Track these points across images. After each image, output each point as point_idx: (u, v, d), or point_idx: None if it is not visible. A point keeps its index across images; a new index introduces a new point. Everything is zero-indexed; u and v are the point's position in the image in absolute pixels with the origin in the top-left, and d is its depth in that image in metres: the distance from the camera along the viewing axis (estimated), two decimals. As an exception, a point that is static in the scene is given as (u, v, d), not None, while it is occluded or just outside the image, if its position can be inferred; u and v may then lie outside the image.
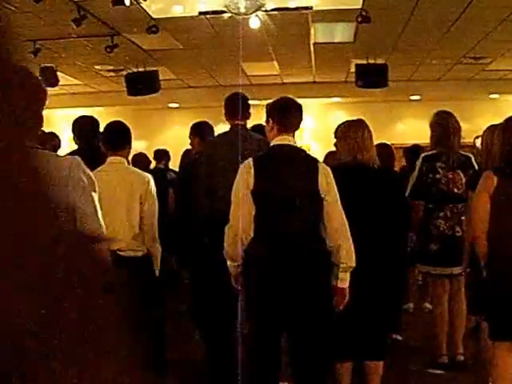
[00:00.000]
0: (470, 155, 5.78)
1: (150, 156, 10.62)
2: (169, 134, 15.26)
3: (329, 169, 4.07)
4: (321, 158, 14.73)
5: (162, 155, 9.34)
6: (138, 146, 13.32)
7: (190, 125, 6.69)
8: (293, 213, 3.90)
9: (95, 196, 2.52)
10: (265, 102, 14.72)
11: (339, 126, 4.97)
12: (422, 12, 8.67)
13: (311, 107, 15.29)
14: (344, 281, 3.85)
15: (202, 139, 6.13)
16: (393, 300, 4.67)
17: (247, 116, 5.76)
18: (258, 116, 15.43)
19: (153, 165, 9.17)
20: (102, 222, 2.62)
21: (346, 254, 3.82)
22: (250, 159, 4.07)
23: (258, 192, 3.91)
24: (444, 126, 5.82)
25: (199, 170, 5.34)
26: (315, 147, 15.22)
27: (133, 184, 4.66)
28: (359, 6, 8.32)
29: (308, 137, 15.31)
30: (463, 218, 5.38)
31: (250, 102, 14.32)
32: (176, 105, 14.75)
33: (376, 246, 4.28)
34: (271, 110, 4.37)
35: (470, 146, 13.54)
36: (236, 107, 5.57)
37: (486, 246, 4.00)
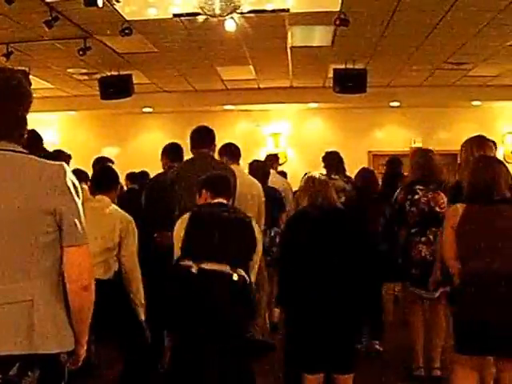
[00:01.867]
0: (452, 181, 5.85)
1: (125, 161, 10.42)
2: (143, 139, 15.00)
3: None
4: (298, 165, 14.51)
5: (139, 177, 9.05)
6: (111, 151, 13.13)
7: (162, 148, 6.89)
8: None
9: (79, 202, 2.49)
10: (241, 107, 14.68)
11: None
12: (402, 16, 8.51)
13: (288, 113, 15.15)
14: None
15: (172, 161, 6.46)
16: (360, 313, 4.79)
17: (213, 147, 6.00)
18: (234, 121, 15.35)
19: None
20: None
21: None
22: (187, 215, 4.42)
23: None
24: (424, 166, 5.83)
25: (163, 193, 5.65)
26: (292, 154, 15.06)
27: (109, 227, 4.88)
28: (338, 9, 8.14)
29: (284, 143, 15.14)
30: None
31: (226, 107, 14.17)
32: (150, 109, 14.50)
33: (339, 271, 4.49)
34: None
35: (451, 153, 13.53)
36: (202, 138, 5.91)
37: (456, 267, 4.17)
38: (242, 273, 4.14)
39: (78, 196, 2.50)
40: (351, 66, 11.34)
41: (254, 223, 4.48)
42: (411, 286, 5.75)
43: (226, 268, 4.09)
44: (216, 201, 4.45)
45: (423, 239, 5.55)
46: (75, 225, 2.47)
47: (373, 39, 9.92)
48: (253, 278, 4.32)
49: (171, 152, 6.68)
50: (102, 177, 5.28)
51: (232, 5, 7.28)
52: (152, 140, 14.29)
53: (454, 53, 10.88)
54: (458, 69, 12.16)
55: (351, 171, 8.17)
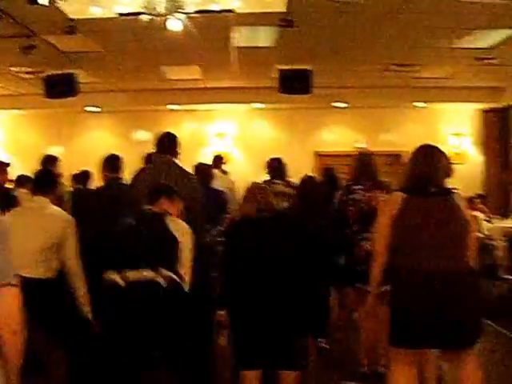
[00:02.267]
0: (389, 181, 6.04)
1: (70, 160, 10.31)
2: (88, 139, 14.86)
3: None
4: (244, 165, 14.53)
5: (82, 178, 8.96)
6: (56, 150, 12.97)
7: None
8: None
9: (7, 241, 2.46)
10: (187, 107, 14.60)
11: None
12: (348, 18, 8.58)
13: (234, 113, 15.17)
14: None
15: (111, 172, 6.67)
16: (301, 312, 4.75)
17: (176, 153, 5.95)
18: (179, 121, 15.28)
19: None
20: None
21: None
22: None
23: None
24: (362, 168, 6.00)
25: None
26: (237, 154, 15.09)
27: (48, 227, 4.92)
28: (283, 10, 8.19)
29: (230, 144, 15.16)
30: None
31: (171, 106, 14.10)
32: (96, 109, 14.36)
33: (280, 272, 4.52)
34: None
35: (395, 154, 13.74)
36: (164, 145, 5.89)
37: (382, 261, 4.12)
38: (168, 273, 4.09)
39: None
40: (296, 67, 11.42)
41: (167, 218, 4.43)
42: (358, 282, 5.75)
43: (150, 274, 4.03)
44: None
45: (365, 235, 5.62)
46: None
47: (319, 41, 10.00)
48: (185, 275, 4.25)
49: (110, 164, 6.77)
50: (41, 178, 5.40)
51: (176, 4, 7.30)
52: (97, 139, 14.21)
53: (398, 55, 11.04)
54: (403, 71, 12.33)
55: (298, 171, 8.23)
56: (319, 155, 15.27)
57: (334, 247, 5.91)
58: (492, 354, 6.60)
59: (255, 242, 4.57)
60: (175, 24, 8.03)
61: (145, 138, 13.95)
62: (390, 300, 4.09)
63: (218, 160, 9.78)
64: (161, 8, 7.18)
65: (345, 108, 14.85)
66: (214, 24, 8.81)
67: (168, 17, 7.68)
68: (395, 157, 13.68)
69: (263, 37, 9.85)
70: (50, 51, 10.01)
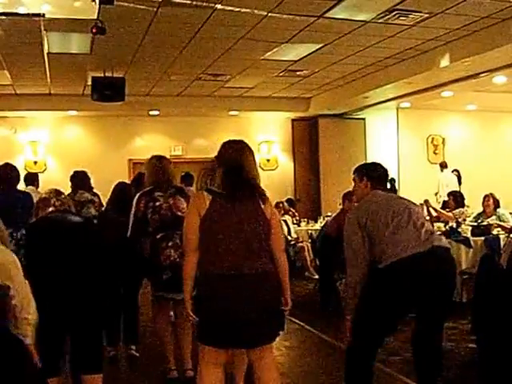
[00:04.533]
0: (183, 186, 6.17)
1: None
2: None
3: None
4: (58, 173, 14.19)
5: None
6: None
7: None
8: None
9: None
10: (-1, 114, 13.74)
11: None
12: (159, 26, 8.68)
13: (47, 120, 14.82)
14: None
15: None
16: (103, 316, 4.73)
17: None
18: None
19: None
20: None
21: None
22: None
23: None
24: (159, 168, 5.89)
25: None
26: (51, 162, 14.76)
27: None
28: (94, 17, 8.13)
29: (43, 152, 14.80)
30: None
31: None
32: None
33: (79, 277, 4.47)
34: None
35: (211, 161, 13.96)
36: None
37: (192, 265, 4.06)
38: None
39: None
40: (110, 74, 11.37)
41: None
42: (161, 290, 5.74)
43: None
44: None
45: (170, 243, 5.59)
46: None
47: (131, 49, 10.02)
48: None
49: None
50: None
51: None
52: None
53: (210, 65, 11.29)
54: (215, 80, 12.64)
55: (113, 179, 8.22)
56: (133, 163, 15.27)
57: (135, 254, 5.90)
58: (296, 349, 6.88)
59: (50, 245, 4.54)
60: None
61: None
62: (195, 300, 4.05)
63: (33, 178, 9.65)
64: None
65: (158, 116, 14.95)
66: (23, 28, 8.58)
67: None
68: (210, 163, 13.91)
69: (77, 43, 9.72)
70: None
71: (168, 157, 14.32)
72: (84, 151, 14.60)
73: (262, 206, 4.09)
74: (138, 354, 6.57)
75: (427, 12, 8.29)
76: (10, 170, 6.97)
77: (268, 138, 16.05)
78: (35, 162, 14.53)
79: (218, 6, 7.77)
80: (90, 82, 11.74)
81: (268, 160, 16.02)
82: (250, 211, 4.05)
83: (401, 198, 4.98)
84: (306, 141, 16.25)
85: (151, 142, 15.35)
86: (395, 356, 6.14)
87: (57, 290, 4.36)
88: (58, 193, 4.87)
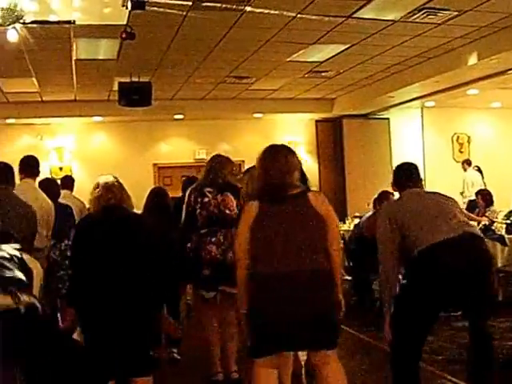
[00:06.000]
0: (237, 184, 5.94)
1: None
2: None
3: None
4: (83, 179, 14.27)
5: None
6: None
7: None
8: None
9: None
10: (23, 121, 14.10)
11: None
12: (187, 30, 8.71)
13: (72, 126, 14.89)
14: None
15: None
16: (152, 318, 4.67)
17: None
18: (16, 135, 14.74)
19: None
20: None
21: None
22: None
23: None
24: (210, 165, 5.97)
25: None
26: (76, 168, 14.81)
27: None
28: (124, 22, 8.17)
29: (69, 158, 14.86)
30: None
31: (8, 120, 13.58)
32: None
33: (131, 275, 4.43)
34: None
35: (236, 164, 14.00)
36: None
37: (243, 275, 4.11)
38: (27, 298, 3.86)
39: None
40: (136, 79, 11.41)
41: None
42: (201, 288, 5.76)
43: (8, 300, 3.78)
44: None
45: (213, 239, 5.62)
46: None
47: (158, 53, 10.07)
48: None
49: None
50: None
51: (14, 14, 7.08)
52: None
53: (235, 68, 11.31)
54: (240, 83, 12.66)
55: (138, 183, 8.23)
56: (158, 167, 15.34)
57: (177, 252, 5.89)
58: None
59: (103, 242, 4.50)
60: (11, 35, 7.80)
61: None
62: (249, 311, 4.06)
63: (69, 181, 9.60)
64: (-4, 17, 6.92)
65: (183, 120, 14.96)
66: (53, 35, 8.64)
67: (4, 27, 7.43)
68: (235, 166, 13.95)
69: (104, 49, 9.77)
70: None
71: (192, 160, 14.48)
72: (109, 156, 14.65)
73: (313, 204, 4.09)
74: (179, 357, 6.58)
75: (456, 10, 8.25)
76: (52, 185, 7.21)
77: (292, 139, 15.99)
78: (61, 168, 14.57)
79: (248, 9, 7.79)
80: (115, 88, 11.80)
81: (293, 162, 15.97)
82: (298, 211, 4.06)
83: (431, 192, 5.02)
84: (331, 142, 16.22)
85: (176, 146, 15.39)
86: (438, 355, 6.10)
87: (109, 290, 4.36)
88: (108, 187, 4.79)
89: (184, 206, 5.84)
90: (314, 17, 8.18)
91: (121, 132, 15.14)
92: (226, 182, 5.80)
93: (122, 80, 11.41)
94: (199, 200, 5.71)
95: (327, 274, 4.05)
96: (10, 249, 3.80)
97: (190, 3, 7.46)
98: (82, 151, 14.96)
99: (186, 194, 5.88)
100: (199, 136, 15.43)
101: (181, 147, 15.37)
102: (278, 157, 4.18)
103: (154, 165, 15.25)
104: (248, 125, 15.53)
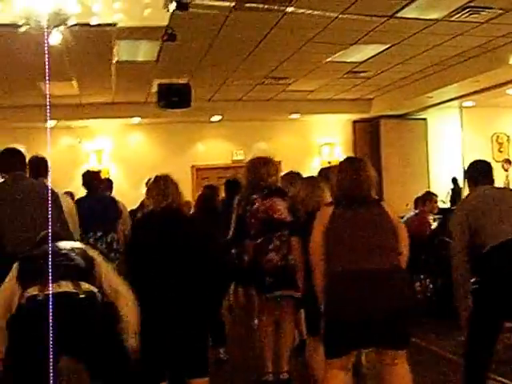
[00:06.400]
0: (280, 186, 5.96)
1: None
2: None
3: None
4: (121, 181, 14.39)
5: None
6: None
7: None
8: None
9: None
10: (62, 124, 14.15)
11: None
12: (227, 32, 8.71)
13: (110, 128, 14.99)
14: None
15: None
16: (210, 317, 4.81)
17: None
18: (55, 137, 14.83)
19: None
20: None
21: None
22: None
23: None
24: (252, 170, 5.95)
25: None
26: (114, 170, 14.91)
27: None
28: (165, 24, 8.19)
29: (107, 159, 14.97)
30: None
31: (47, 123, 13.41)
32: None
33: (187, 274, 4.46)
34: None
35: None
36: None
37: (320, 277, 4.25)
38: (88, 286, 3.91)
39: None
40: (176, 81, 11.44)
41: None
42: (265, 292, 5.72)
43: (69, 286, 3.86)
44: None
45: (271, 246, 5.58)
46: None
47: (197, 54, 10.07)
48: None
49: None
50: None
51: (60, 17, 7.13)
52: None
53: (274, 69, 11.29)
54: (277, 84, 12.64)
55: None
56: (196, 169, 15.37)
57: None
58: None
59: (159, 239, 4.54)
60: (55, 37, 7.85)
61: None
62: (327, 310, 4.15)
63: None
64: (43, 21, 6.97)
65: (220, 121, 14.97)
66: (94, 38, 8.68)
67: (48, 30, 7.48)
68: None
69: (144, 51, 9.81)
70: None
71: (230, 162, 14.49)
72: (146, 158, 14.72)
73: (388, 210, 4.28)
74: (226, 358, 6.57)
75: (500, 8, 8.15)
76: (95, 177, 7.27)
77: (329, 140, 15.98)
78: (99, 171, 14.68)
79: (289, 9, 7.76)
80: (153, 89, 11.85)
81: (330, 162, 15.92)
82: (375, 215, 4.23)
83: (503, 188, 5.11)
84: (368, 142, 16.12)
85: (213, 147, 15.42)
86: (506, 366, 5.95)
87: (167, 289, 4.37)
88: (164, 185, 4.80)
89: (233, 216, 5.87)
90: (355, 17, 8.13)
91: (158, 134, 15.21)
92: (269, 186, 5.77)
93: (161, 81, 11.45)
94: (248, 208, 5.71)
95: (405, 274, 4.23)
96: (73, 242, 3.92)
97: (233, 4, 7.45)
98: (120, 153, 15.06)
99: (235, 203, 5.87)
100: (236, 137, 15.45)
101: (218, 148, 15.40)
102: (359, 171, 4.39)
103: (192, 166, 15.28)
104: (285, 126, 15.52)
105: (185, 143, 15.27)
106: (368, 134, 16.14)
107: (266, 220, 5.62)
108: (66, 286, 3.68)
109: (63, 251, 3.88)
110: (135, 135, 15.24)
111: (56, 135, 14.34)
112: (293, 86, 12.92)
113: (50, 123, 13.84)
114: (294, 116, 15.15)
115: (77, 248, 3.99)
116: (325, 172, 6.34)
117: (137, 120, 14.62)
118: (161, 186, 4.72)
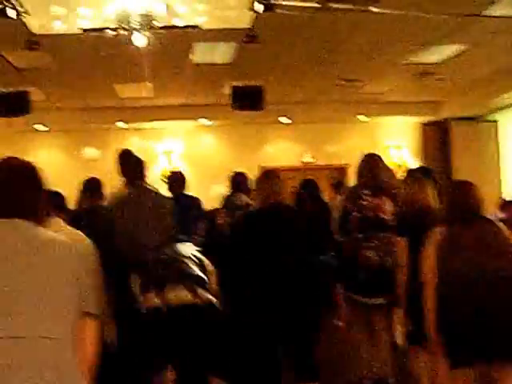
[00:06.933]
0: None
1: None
2: (36, 159, 14.45)
3: None
4: (191, 182, 14.56)
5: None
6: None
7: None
8: None
9: None
10: (134, 125, 14.23)
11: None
12: (309, 34, 8.74)
13: (180, 130, 15.15)
14: None
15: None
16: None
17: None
18: (126, 138, 15.04)
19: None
20: None
21: None
22: None
23: None
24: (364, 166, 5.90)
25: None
26: (186, 171, 15.01)
27: None
28: (247, 26, 8.25)
29: (177, 161, 15.13)
30: (395, 249, 5.38)
31: (118, 124, 13.70)
32: (44, 127, 14.05)
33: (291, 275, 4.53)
34: None
35: (340, 167, 14.02)
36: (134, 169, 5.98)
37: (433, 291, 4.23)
38: (206, 294, 3.94)
39: None
40: (248, 83, 11.51)
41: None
42: (356, 292, 5.65)
43: (189, 297, 3.89)
44: None
45: (372, 244, 5.55)
46: None
47: (273, 57, 10.11)
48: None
49: (90, 189, 6.80)
50: None
51: (149, 19, 7.24)
52: (45, 159, 13.91)
53: (348, 70, 11.27)
54: (349, 86, 12.59)
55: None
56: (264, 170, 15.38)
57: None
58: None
59: (265, 237, 4.59)
60: (140, 40, 7.98)
61: (93, 156, 14.02)
62: (440, 325, 4.15)
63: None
64: (134, 23, 7.11)
65: (289, 123, 14.99)
66: (174, 40, 8.78)
67: (133, 32, 7.60)
68: (340, 170, 13.94)
69: (220, 53, 9.89)
70: (4, 67, 9.82)
71: (298, 163, 14.48)
72: (216, 159, 14.84)
73: (502, 228, 4.30)
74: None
75: None
76: (178, 176, 7.34)
77: (397, 143, 15.87)
78: (170, 172, 14.84)
79: (374, 9, 7.74)
80: (226, 91, 11.93)
81: (398, 165, 15.80)
82: (490, 235, 4.22)
83: None
84: (437, 145, 15.92)
85: (281, 148, 15.45)
86: None
87: (277, 288, 4.40)
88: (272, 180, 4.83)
89: (339, 210, 5.82)
90: (438, 16, 8.06)
91: (228, 135, 15.30)
92: (379, 185, 5.74)
93: (235, 84, 11.53)
94: (356, 202, 5.67)
95: None
96: (190, 248, 3.95)
97: (318, 5, 7.46)
98: (190, 154, 15.20)
99: (340, 198, 5.87)
100: (305, 139, 15.44)
101: (286, 150, 15.43)
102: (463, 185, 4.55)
103: (262, 168, 15.29)
104: (352, 128, 15.46)
105: (253, 144, 15.33)
106: (437, 136, 15.95)
107: (372, 218, 5.60)
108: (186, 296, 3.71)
109: (182, 258, 3.91)
110: (205, 136, 15.36)
111: (125, 136, 14.55)
112: (365, 87, 12.86)
113: (122, 125, 14.12)
114: (362, 118, 15.07)
115: (194, 255, 4.03)
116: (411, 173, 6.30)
117: (207, 121, 14.73)
118: (271, 182, 4.77)
